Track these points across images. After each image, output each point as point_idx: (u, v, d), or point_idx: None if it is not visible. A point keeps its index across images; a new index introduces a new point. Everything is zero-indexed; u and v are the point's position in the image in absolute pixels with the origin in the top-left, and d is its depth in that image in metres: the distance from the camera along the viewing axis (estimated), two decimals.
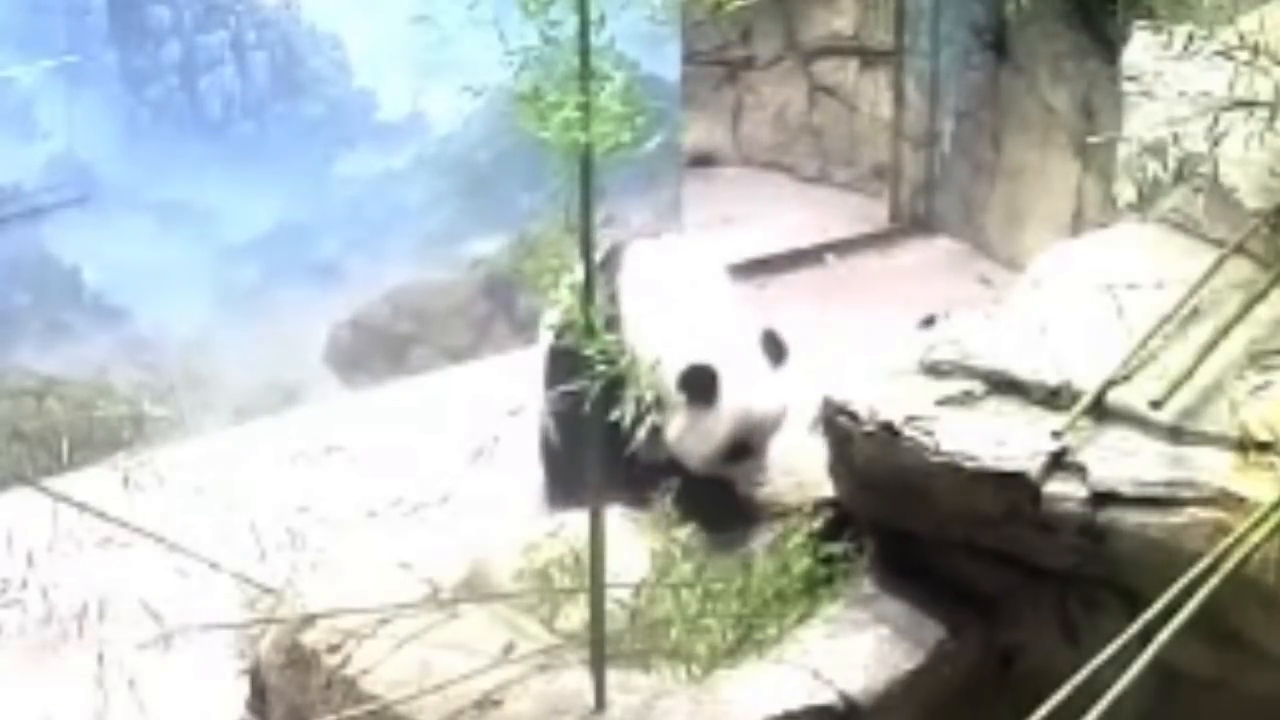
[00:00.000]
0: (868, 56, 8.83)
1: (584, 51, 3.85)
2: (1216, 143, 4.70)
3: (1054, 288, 4.76)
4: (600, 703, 4.26)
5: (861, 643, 4.44)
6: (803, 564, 4.68)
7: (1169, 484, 4.18)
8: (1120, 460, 4.25)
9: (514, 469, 6.22)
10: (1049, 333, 4.54)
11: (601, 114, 3.87)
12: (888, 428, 4.40)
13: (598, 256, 4.18)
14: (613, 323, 4.80)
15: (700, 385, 5.04)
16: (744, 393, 5.10)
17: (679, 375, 5.03)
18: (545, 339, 5.64)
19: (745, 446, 5.16)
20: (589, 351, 3.97)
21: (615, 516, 4.56)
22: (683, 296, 5.32)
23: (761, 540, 4.89)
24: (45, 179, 6.58)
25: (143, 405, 6.67)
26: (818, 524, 4.78)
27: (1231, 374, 4.34)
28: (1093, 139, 6.60)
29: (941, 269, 8.16)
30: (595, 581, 4.21)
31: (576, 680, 4.32)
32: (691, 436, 5.09)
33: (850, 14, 8.87)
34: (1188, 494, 4.15)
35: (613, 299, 5.15)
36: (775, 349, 5.23)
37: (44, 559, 5.87)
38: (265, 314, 7.01)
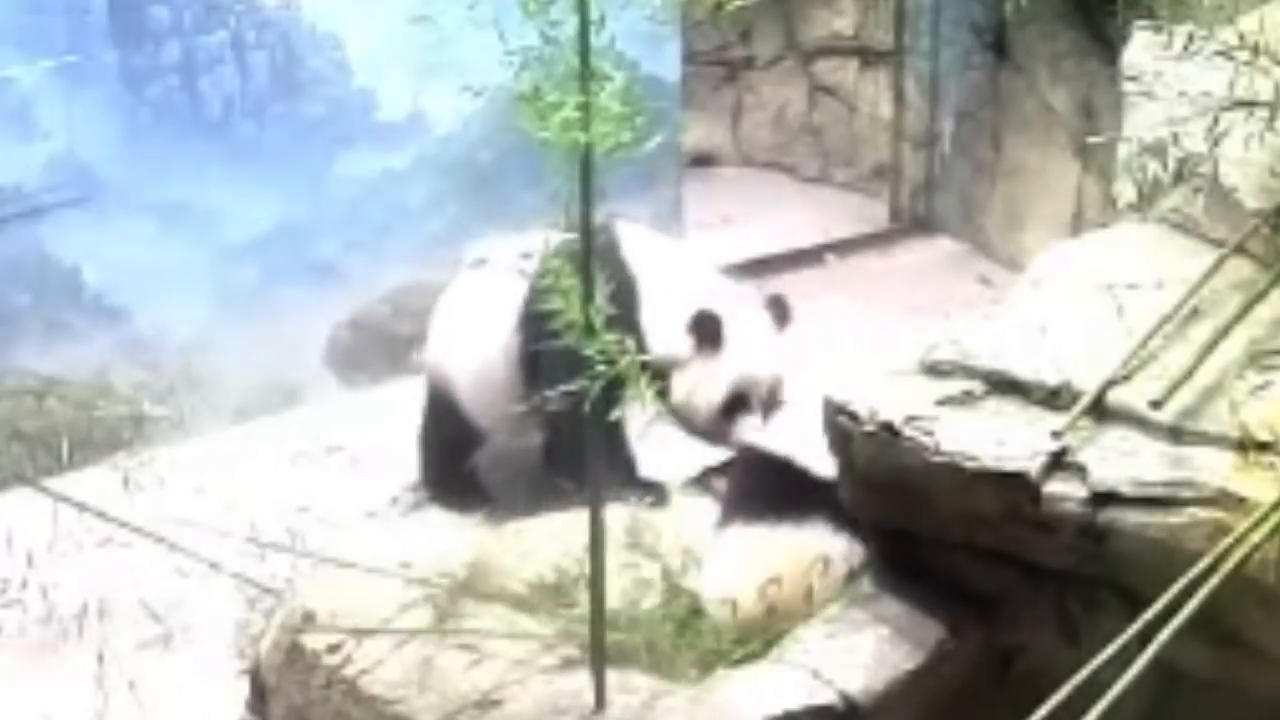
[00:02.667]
0: (868, 56, 8.84)
1: (584, 51, 3.85)
2: (1216, 143, 4.70)
3: (1054, 288, 4.76)
4: (600, 703, 4.26)
5: (861, 643, 4.44)
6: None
7: (1169, 484, 4.17)
8: (1120, 460, 4.25)
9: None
10: (1049, 333, 4.54)
11: (601, 114, 3.87)
12: (888, 428, 4.39)
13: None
14: (626, 296, 5.05)
15: (706, 332, 5.25)
16: (748, 344, 5.32)
17: (689, 321, 5.26)
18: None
19: (745, 398, 5.34)
20: (589, 351, 3.97)
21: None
22: (684, 268, 5.56)
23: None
24: (45, 179, 6.59)
25: (143, 405, 6.67)
26: None
27: (1231, 374, 4.33)
28: (1093, 139, 6.59)
29: (941, 269, 8.17)
30: (595, 581, 4.21)
31: (576, 680, 4.32)
32: (700, 389, 5.26)
33: (850, 14, 8.87)
34: (1188, 494, 4.15)
35: (618, 271, 5.33)
36: (781, 312, 5.48)
37: (44, 559, 5.88)
38: (265, 314, 7.02)
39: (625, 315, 5.29)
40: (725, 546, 4.76)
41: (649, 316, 5.55)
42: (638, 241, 5.73)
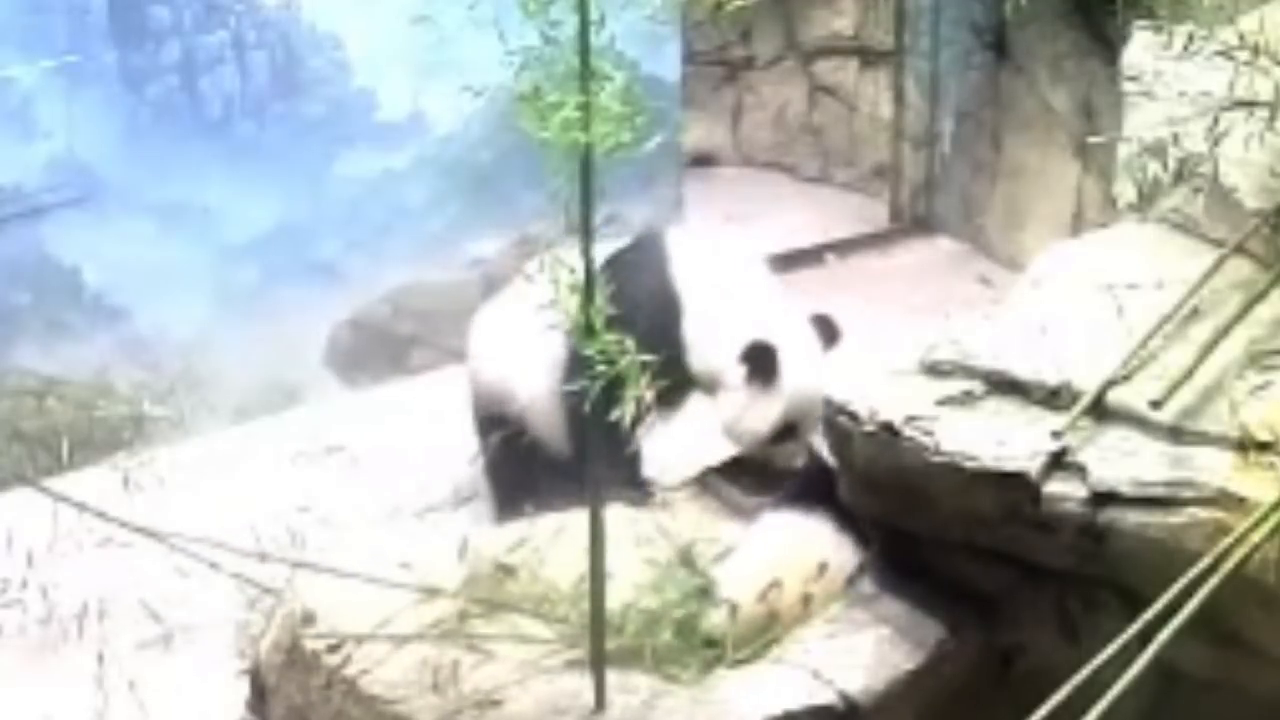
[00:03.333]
0: (868, 56, 8.84)
1: (584, 51, 3.85)
2: (1216, 143, 4.70)
3: (1054, 288, 4.76)
4: (600, 703, 4.26)
5: (861, 643, 4.44)
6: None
7: (1169, 484, 4.18)
8: (1120, 460, 4.25)
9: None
10: (1049, 333, 4.54)
11: (601, 114, 3.87)
12: (888, 428, 4.40)
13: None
14: (668, 309, 4.97)
15: (760, 363, 5.21)
16: (801, 374, 5.27)
17: (742, 350, 5.20)
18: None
19: (794, 427, 5.32)
20: (589, 351, 3.97)
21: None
22: (738, 284, 5.50)
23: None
24: (45, 179, 6.58)
25: (143, 405, 6.67)
26: None
27: (1231, 374, 4.34)
28: (1093, 139, 6.60)
29: (941, 269, 8.17)
30: (595, 581, 4.21)
31: (576, 680, 4.32)
32: (749, 416, 5.23)
33: (850, 14, 8.87)
34: (1188, 494, 4.15)
35: (662, 283, 5.29)
36: (828, 332, 5.42)
37: (44, 559, 5.87)
38: (265, 314, 7.01)
39: (665, 330, 5.27)
40: (755, 534, 4.80)
41: (692, 332, 5.49)
42: (689, 253, 5.65)
